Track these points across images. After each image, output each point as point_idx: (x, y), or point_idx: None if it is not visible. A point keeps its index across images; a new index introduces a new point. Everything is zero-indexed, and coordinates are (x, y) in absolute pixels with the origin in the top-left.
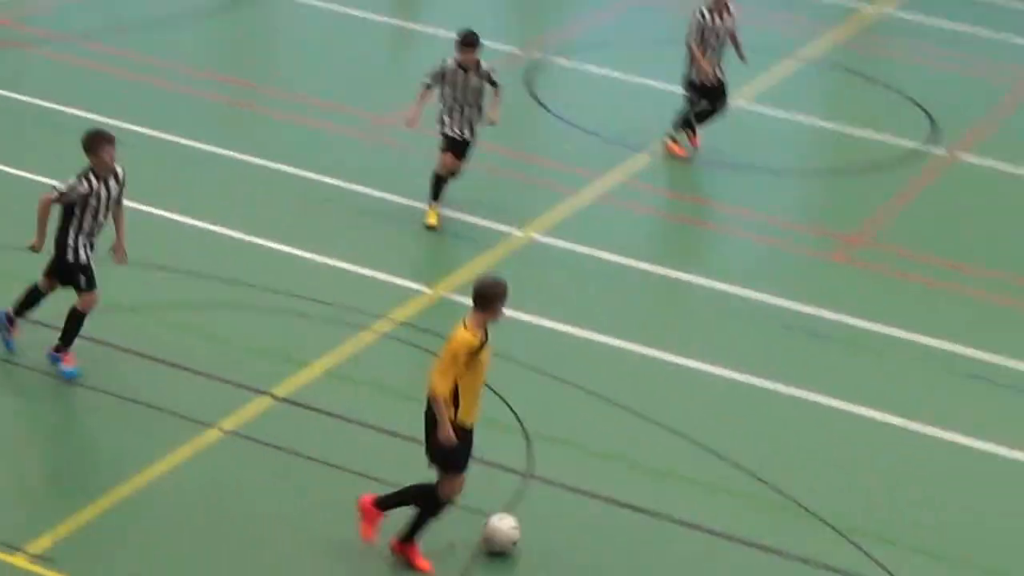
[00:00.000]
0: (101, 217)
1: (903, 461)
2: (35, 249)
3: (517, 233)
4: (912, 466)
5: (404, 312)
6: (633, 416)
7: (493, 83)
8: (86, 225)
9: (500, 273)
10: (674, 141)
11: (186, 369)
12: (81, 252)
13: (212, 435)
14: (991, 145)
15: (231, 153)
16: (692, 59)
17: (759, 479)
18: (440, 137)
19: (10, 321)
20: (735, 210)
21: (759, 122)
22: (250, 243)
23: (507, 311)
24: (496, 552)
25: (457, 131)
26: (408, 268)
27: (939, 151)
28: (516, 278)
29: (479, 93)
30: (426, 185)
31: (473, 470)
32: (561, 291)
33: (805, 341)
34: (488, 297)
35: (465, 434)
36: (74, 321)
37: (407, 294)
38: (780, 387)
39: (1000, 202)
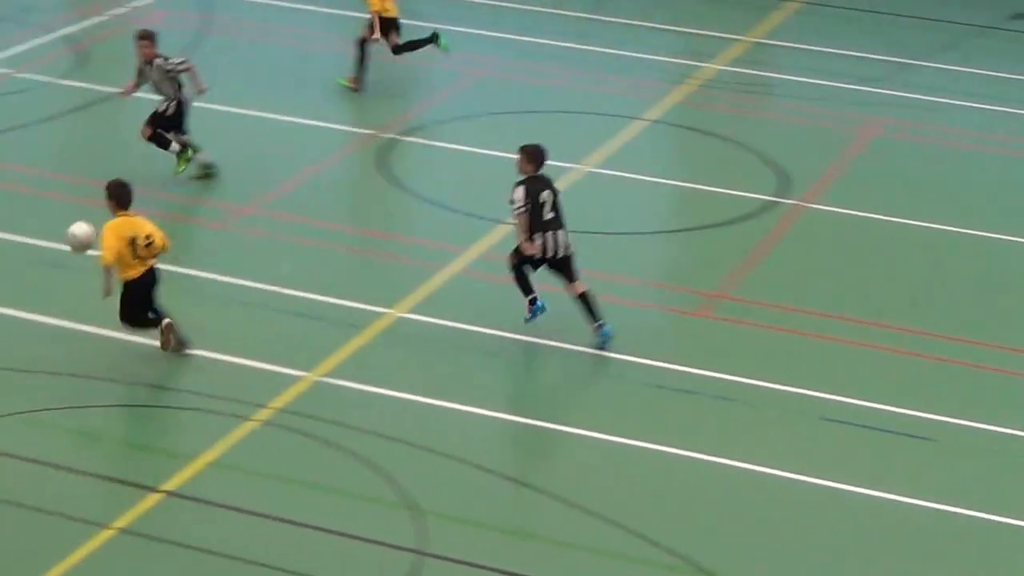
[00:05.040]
0: None
1: (781, 510)
2: None
3: (386, 311)
4: (789, 514)
5: (283, 399)
6: (521, 487)
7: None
8: None
9: (372, 353)
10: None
11: (71, 470)
12: None
13: (105, 535)
14: (838, 192)
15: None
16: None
17: (653, 542)
18: None
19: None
20: (596, 274)
21: (611, 185)
22: (119, 340)
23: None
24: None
25: None
26: (281, 354)
27: (790, 202)
28: (388, 357)
29: None
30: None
31: (362, 548)
32: (435, 367)
33: (676, 399)
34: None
35: None
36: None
37: (284, 380)
38: (659, 447)
39: (852, 248)
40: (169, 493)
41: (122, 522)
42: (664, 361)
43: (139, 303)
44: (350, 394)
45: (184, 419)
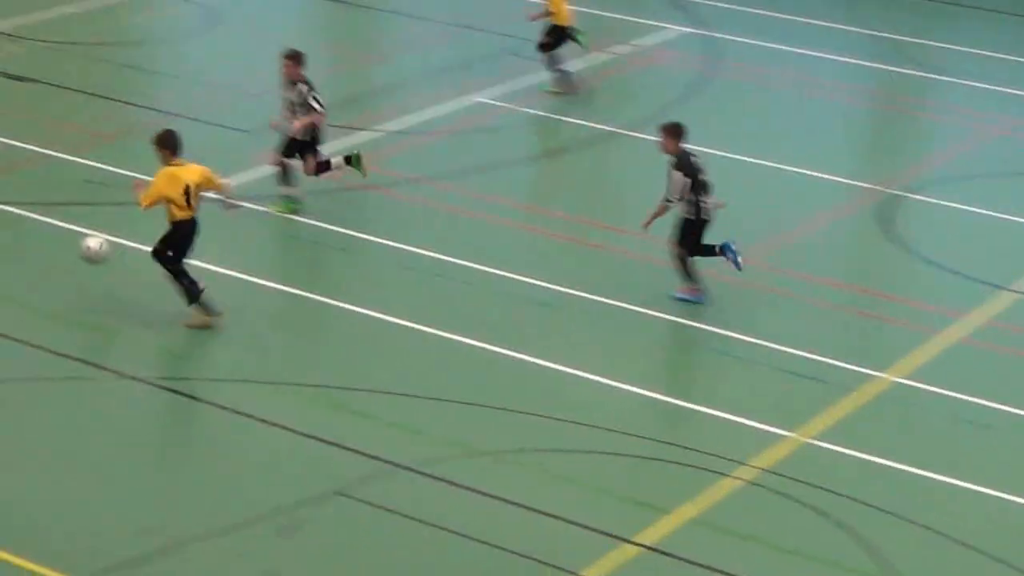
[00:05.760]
0: None
1: None
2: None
3: (879, 375)
4: None
5: (766, 458)
6: (1015, 572)
7: None
8: None
9: (864, 417)
10: None
11: (544, 514)
12: None
13: None
14: None
15: (573, 291)
16: None
17: None
18: None
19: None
20: None
21: None
22: (600, 384)
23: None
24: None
25: None
26: (767, 411)
27: None
28: (881, 422)
29: None
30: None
31: None
32: (929, 437)
33: None
34: None
35: None
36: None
37: (768, 439)
38: None
39: None
40: (645, 547)
41: (592, 572)
42: None
43: (180, 245)
44: (838, 459)
45: (665, 471)
